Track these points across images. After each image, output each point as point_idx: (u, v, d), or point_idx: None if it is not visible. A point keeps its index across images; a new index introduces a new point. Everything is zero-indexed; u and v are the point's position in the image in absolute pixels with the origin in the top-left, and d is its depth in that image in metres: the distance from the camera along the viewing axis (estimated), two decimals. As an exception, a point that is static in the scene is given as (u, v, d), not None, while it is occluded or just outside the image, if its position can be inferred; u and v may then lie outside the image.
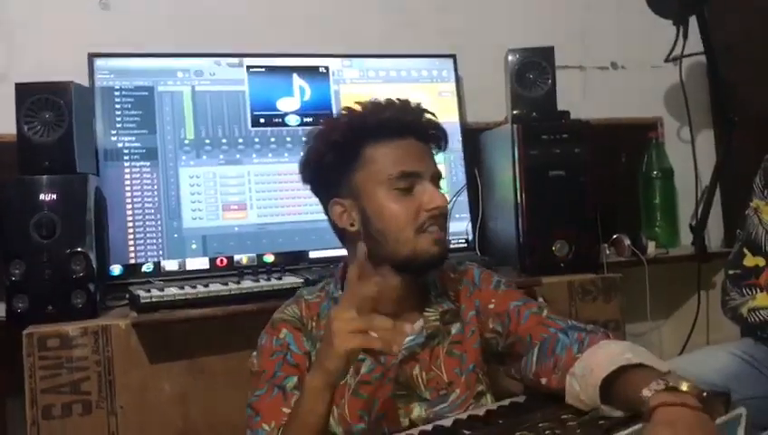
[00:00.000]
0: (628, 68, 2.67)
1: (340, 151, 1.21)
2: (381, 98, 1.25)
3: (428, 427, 1.08)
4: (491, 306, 1.29)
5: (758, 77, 2.28)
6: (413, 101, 1.26)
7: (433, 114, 1.26)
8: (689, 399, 0.92)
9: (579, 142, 2.05)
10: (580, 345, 1.16)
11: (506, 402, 1.16)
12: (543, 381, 1.18)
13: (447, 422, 1.08)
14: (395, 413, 1.21)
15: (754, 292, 1.62)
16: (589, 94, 2.58)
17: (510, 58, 2.10)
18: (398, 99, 1.24)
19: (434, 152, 1.26)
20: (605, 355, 1.09)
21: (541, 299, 1.30)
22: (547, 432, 0.98)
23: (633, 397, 0.98)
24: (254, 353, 1.25)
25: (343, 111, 1.26)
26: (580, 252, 2.04)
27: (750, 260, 1.66)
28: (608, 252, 2.24)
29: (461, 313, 1.29)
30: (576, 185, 2.04)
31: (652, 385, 0.95)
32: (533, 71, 2.10)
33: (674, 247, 2.46)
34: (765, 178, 1.69)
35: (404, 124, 1.21)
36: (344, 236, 1.26)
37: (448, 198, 1.23)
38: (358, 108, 1.24)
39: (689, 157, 2.53)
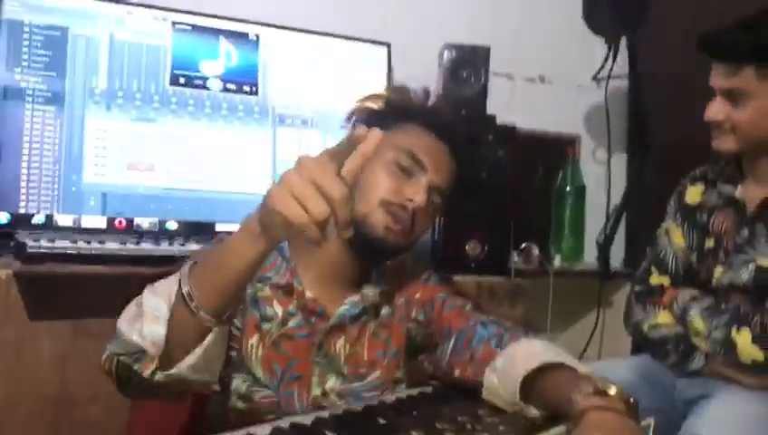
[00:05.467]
0: (555, 83, 2.71)
1: (392, 110, 1.25)
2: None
3: (339, 410, 1.02)
4: (417, 296, 1.27)
5: (676, 107, 2.35)
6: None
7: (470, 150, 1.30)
8: (617, 403, 0.91)
9: (503, 147, 2.05)
10: (498, 340, 1.14)
11: (415, 392, 1.12)
12: (457, 372, 1.16)
13: (358, 407, 1.02)
14: (309, 378, 1.15)
15: (657, 309, 1.65)
16: (513, 104, 2.58)
17: (446, 53, 2.08)
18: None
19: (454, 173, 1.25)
20: (527, 351, 1.08)
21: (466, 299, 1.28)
22: (468, 427, 0.94)
23: (558, 398, 0.97)
24: None
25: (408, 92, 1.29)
26: (491, 255, 2.04)
27: (656, 278, 1.70)
28: (516, 259, 2.25)
29: (393, 297, 1.26)
30: (494, 189, 2.04)
31: (582, 388, 0.93)
32: (467, 69, 2.09)
33: (578, 262, 2.51)
34: (678, 202, 1.72)
35: (449, 129, 1.25)
36: None
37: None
38: (424, 95, 1.28)
39: (603, 176, 2.59)
